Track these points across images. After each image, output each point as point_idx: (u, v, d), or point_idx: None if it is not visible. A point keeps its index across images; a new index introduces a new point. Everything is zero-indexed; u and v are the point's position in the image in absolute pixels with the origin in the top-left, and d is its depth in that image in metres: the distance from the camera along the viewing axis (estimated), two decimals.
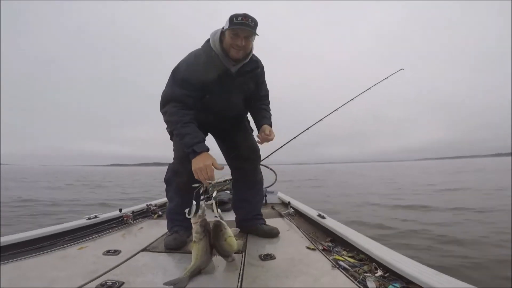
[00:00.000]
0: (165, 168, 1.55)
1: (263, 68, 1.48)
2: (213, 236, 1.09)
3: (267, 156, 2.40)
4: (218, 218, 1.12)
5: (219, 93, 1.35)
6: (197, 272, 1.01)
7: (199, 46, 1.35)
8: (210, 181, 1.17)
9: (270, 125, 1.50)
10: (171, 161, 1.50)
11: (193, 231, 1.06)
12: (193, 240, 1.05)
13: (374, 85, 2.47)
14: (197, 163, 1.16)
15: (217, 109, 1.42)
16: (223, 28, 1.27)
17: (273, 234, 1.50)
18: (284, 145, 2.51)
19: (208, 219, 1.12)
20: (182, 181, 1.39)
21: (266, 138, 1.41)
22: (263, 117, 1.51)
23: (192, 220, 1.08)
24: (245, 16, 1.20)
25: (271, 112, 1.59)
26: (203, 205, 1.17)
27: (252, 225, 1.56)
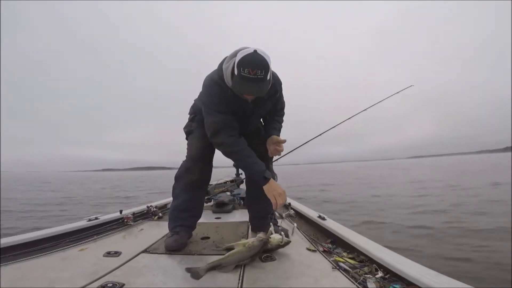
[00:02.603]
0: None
1: (280, 84, 1.43)
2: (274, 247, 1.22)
3: (280, 157, 2.43)
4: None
5: (239, 120, 1.37)
6: (216, 267, 1.03)
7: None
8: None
9: (278, 134, 1.49)
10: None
11: (251, 241, 1.14)
12: (246, 244, 1.13)
13: (385, 99, 2.46)
14: (274, 189, 1.27)
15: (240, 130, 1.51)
16: (234, 63, 1.16)
17: None
18: (299, 147, 2.52)
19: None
20: (192, 179, 1.44)
21: (277, 152, 1.43)
22: (273, 128, 1.49)
23: (259, 234, 1.18)
24: (253, 67, 1.06)
25: (283, 121, 1.58)
26: (282, 233, 1.31)
27: (264, 224, 1.56)
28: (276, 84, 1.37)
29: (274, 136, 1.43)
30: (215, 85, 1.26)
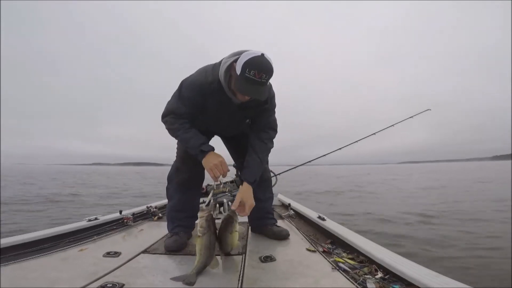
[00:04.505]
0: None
1: (272, 97, 1.35)
2: (223, 225, 1.15)
3: (285, 171, 2.46)
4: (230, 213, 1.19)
5: (218, 119, 1.36)
6: (203, 268, 1.03)
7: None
8: (219, 180, 1.25)
9: (252, 179, 1.29)
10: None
11: (198, 225, 1.09)
12: (197, 234, 1.08)
13: (400, 122, 2.47)
14: (210, 161, 1.20)
15: (218, 131, 1.51)
16: (234, 62, 1.14)
17: (282, 236, 1.50)
18: (305, 163, 2.52)
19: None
20: (183, 178, 1.45)
21: (242, 213, 1.24)
22: (244, 168, 1.32)
23: (198, 214, 1.12)
24: (260, 70, 1.05)
25: (272, 145, 1.41)
26: (212, 201, 1.23)
27: (264, 224, 1.57)
28: (268, 96, 1.28)
29: (237, 200, 1.22)
30: (203, 74, 1.25)
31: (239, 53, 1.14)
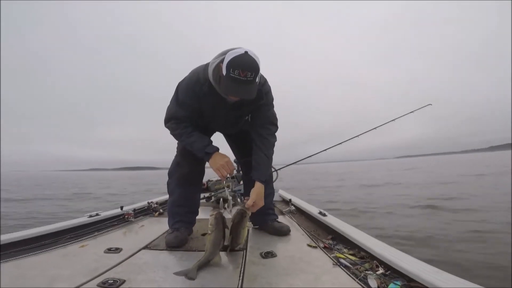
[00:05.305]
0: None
1: (268, 92, 1.33)
2: (239, 219, 1.19)
3: (286, 166, 2.46)
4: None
5: (215, 119, 1.37)
6: (205, 263, 1.04)
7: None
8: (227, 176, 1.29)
9: (264, 178, 1.33)
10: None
11: (209, 222, 1.13)
12: (207, 231, 1.12)
13: (401, 116, 2.45)
14: (217, 162, 1.24)
15: (217, 128, 1.52)
16: (221, 62, 1.12)
17: (283, 232, 1.49)
18: (305, 158, 2.52)
19: (206, 216, 1.17)
20: (184, 172, 1.46)
21: (253, 209, 1.29)
22: (254, 168, 1.34)
23: (209, 212, 1.16)
24: (244, 69, 1.04)
25: (276, 139, 1.41)
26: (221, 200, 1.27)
27: (264, 220, 1.57)
28: (262, 91, 1.28)
29: (251, 198, 1.27)
30: (195, 76, 1.24)
31: (225, 53, 1.12)
